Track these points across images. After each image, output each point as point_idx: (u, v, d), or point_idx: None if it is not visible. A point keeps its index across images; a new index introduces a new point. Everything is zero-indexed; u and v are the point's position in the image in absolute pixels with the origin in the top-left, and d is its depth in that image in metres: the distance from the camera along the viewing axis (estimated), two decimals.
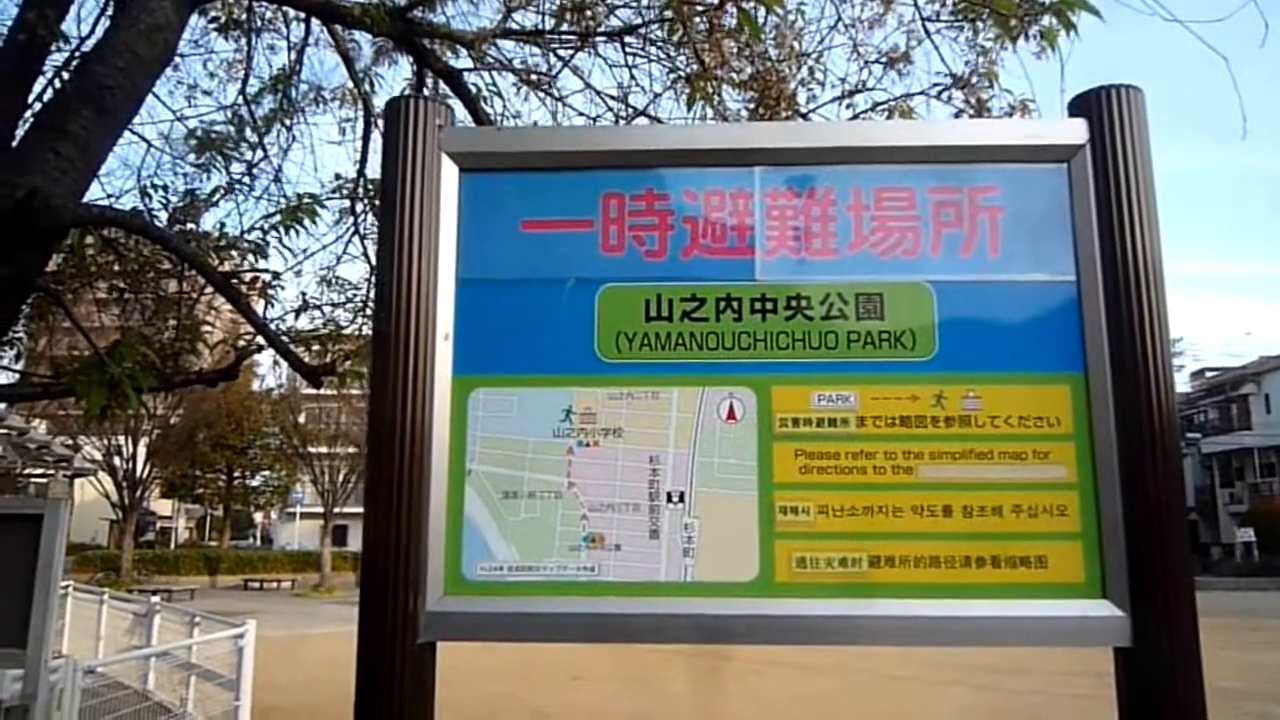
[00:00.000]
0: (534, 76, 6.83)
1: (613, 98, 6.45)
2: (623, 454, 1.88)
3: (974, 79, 4.26)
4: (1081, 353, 1.88)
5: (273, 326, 5.54)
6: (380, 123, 6.16)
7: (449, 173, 1.98)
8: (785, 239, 1.96)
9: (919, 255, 1.94)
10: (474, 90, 6.14)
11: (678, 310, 1.93)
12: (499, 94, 6.67)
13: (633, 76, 6.22)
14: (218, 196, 5.72)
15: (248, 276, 5.10)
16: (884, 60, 4.58)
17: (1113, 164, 1.92)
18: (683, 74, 5.33)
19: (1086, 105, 1.98)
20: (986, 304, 1.91)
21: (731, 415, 1.89)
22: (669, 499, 1.86)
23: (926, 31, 4.35)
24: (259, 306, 5.51)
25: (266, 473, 44.62)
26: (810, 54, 4.89)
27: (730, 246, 1.96)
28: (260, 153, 6.77)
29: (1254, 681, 13.40)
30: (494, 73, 6.74)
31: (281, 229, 4.74)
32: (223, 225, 5.43)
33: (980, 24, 4.17)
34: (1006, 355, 1.90)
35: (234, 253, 5.40)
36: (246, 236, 5.19)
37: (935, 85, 4.39)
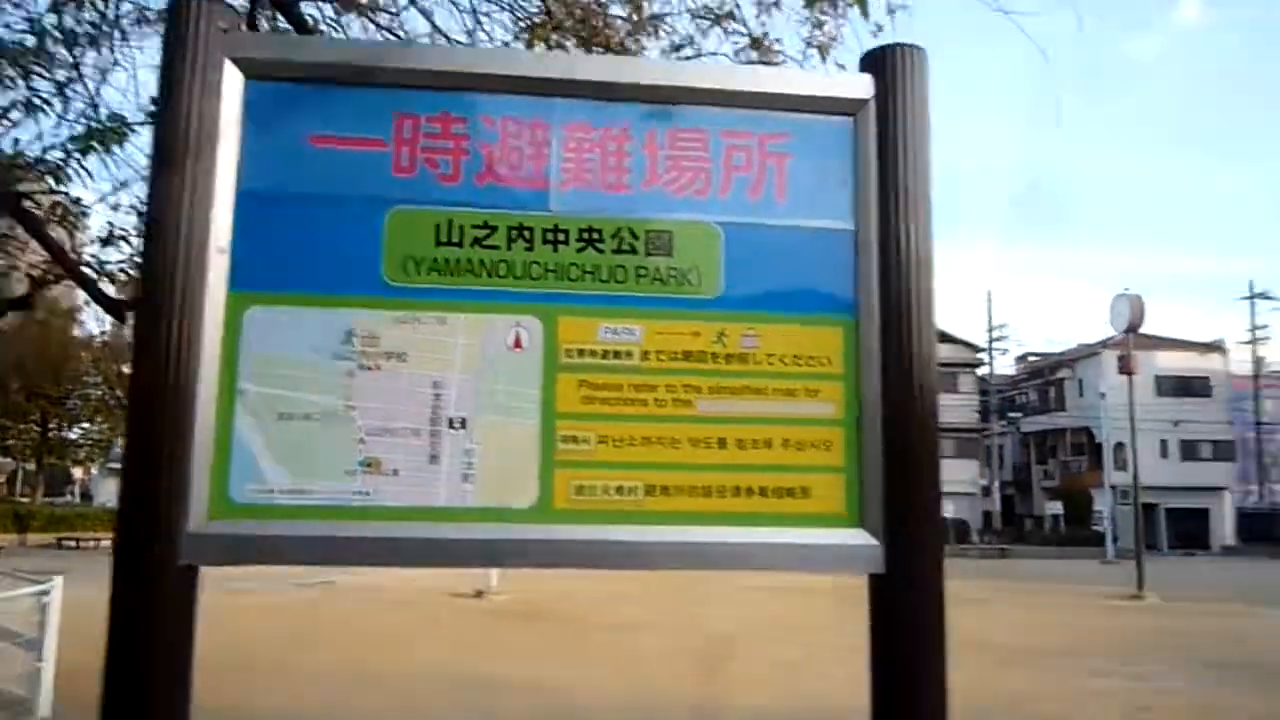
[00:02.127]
0: (379, 16, 6.59)
1: (460, 43, 6.30)
2: (405, 379, 1.85)
3: (766, 42, 4.40)
4: (855, 298, 1.98)
5: (79, 256, 5.16)
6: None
7: (232, 79, 1.88)
8: (581, 172, 1.96)
9: (709, 196, 1.98)
10: (311, 22, 5.87)
11: (469, 237, 1.91)
12: (340, 29, 6.41)
13: (479, 23, 6.10)
14: (17, 114, 5.25)
15: (46, 201, 4.71)
16: (711, 17, 4.65)
17: (894, 119, 2.01)
18: (528, 23, 5.26)
19: (875, 62, 2.07)
20: (770, 247, 1.98)
21: (518, 344, 1.89)
22: (450, 425, 1.85)
23: None
24: (62, 236, 5.13)
25: (86, 425, 41.84)
26: (642, 2, 4.91)
27: (526, 176, 1.95)
28: (74, 72, 6.25)
29: (1067, 639, 14.66)
30: (335, 7, 6.47)
31: (83, 152, 4.40)
32: (17, 142, 4.99)
33: None
34: (786, 297, 1.97)
35: (31, 174, 4.98)
36: (45, 158, 4.79)
37: (735, 46, 4.52)
